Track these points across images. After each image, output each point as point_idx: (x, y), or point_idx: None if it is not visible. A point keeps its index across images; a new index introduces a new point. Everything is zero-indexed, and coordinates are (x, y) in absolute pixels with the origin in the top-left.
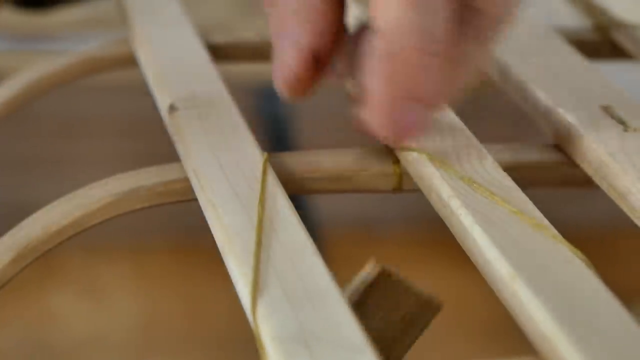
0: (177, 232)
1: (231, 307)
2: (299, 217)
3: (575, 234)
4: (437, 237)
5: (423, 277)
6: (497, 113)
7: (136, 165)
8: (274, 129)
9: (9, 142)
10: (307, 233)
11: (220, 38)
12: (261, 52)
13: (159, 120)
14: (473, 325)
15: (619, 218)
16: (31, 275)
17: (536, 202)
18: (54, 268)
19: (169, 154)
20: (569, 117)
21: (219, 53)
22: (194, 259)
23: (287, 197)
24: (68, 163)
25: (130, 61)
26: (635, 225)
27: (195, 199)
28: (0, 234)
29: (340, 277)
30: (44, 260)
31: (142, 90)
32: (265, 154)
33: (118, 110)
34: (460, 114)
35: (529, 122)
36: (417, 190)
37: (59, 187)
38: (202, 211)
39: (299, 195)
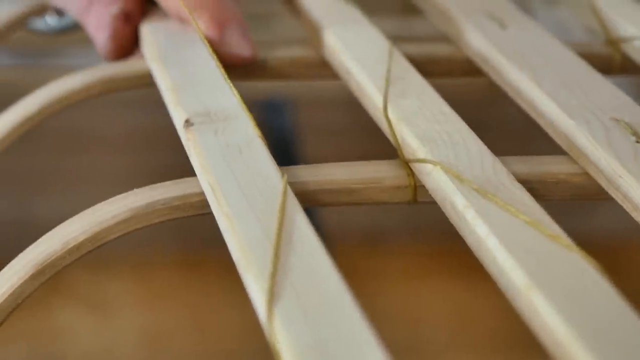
0: (182, 246)
1: (238, 320)
2: (315, 231)
3: (586, 244)
4: (444, 249)
5: (429, 289)
6: (506, 123)
7: (147, 179)
8: (279, 142)
9: (20, 158)
10: (324, 246)
11: None
12: (275, 70)
13: (167, 134)
14: (478, 337)
15: (630, 228)
16: (37, 292)
17: (548, 212)
18: (60, 284)
19: (179, 168)
20: (581, 129)
21: (230, 70)
22: (199, 272)
23: (302, 210)
24: (79, 178)
25: (147, 79)
26: None
27: (211, 213)
28: (13, 249)
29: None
30: None
31: (150, 104)
32: (285, 176)
33: (128, 124)
34: (471, 124)
35: (539, 132)
36: (431, 202)
37: (69, 203)
38: (206, 225)
39: (307, 208)
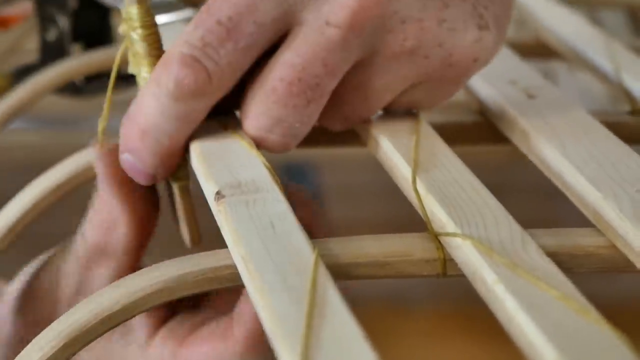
0: None
1: None
2: (348, 306)
3: (608, 309)
4: (466, 312)
5: (451, 352)
6: (524, 188)
7: (174, 248)
8: None
9: (49, 221)
10: (357, 321)
11: None
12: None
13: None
14: None
15: None
16: None
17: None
18: None
19: (206, 236)
20: (608, 202)
21: None
22: None
23: (334, 284)
24: None
25: None
26: None
27: (243, 285)
28: None
29: None
30: None
31: None
32: (316, 249)
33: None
34: (490, 189)
35: (556, 196)
36: (461, 276)
37: None
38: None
39: None
